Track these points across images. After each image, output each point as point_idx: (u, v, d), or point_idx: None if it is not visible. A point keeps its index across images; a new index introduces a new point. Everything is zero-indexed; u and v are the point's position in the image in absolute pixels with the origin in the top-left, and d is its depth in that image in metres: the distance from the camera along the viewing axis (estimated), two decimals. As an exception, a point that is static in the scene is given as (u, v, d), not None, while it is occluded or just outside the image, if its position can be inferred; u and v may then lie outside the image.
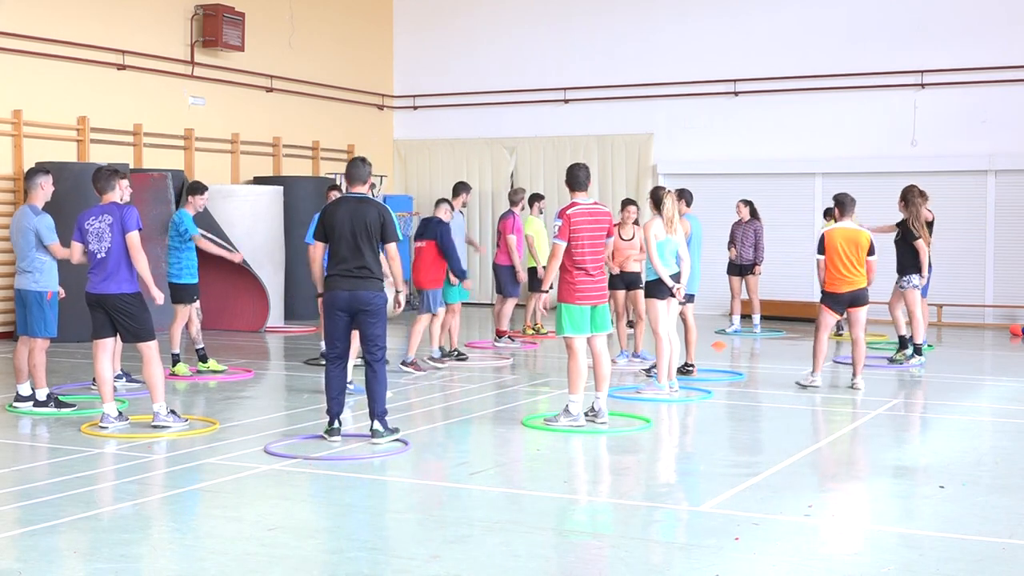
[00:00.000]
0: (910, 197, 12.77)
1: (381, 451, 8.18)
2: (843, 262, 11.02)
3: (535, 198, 15.22)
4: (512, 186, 20.80)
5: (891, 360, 13.05)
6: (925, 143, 18.24)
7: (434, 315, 12.22)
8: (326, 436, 8.43)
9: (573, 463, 8.17)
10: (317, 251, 8.58)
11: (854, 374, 11.24)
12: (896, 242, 12.91)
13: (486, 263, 20.51)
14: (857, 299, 11.14)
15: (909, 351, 12.91)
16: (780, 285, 18.05)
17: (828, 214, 14.85)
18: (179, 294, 11.69)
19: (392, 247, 8.42)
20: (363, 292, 8.31)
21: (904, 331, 13.12)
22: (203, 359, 11.96)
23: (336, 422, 8.46)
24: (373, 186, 11.40)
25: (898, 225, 12.92)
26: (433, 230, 12.14)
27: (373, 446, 8.32)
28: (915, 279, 12.74)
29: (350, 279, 8.30)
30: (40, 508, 6.57)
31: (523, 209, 14.74)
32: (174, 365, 11.71)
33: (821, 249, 11.15)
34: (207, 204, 12.45)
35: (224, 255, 12.45)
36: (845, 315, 11.45)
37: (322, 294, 8.53)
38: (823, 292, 11.24)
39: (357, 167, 8.55)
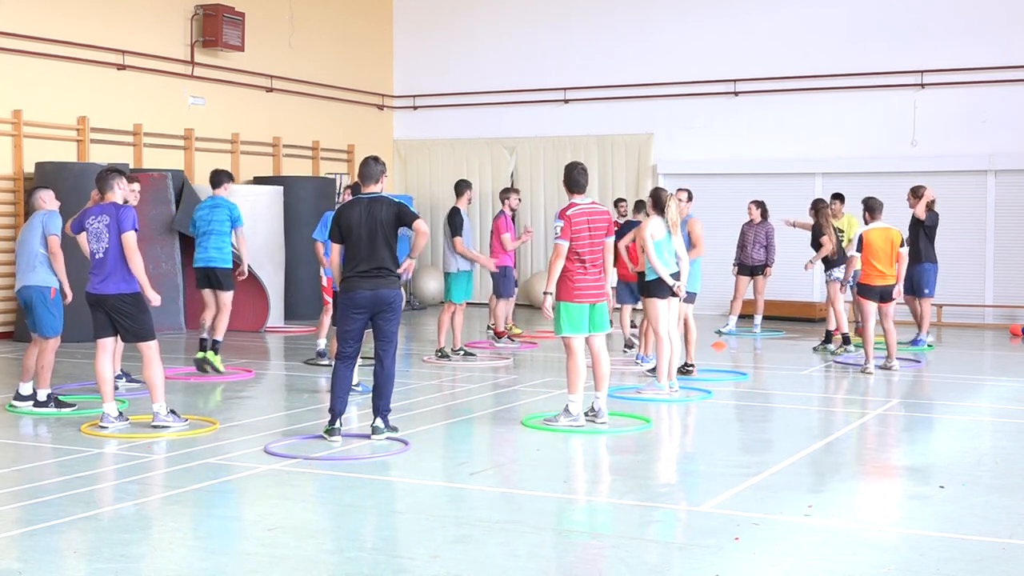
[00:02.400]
0: (820, 208, 14.12)
1: (381, 450, 8.18)
2: (879, 259, 12.13)
3: (505, 193, 14.86)
4: (512, 185, 20.85)
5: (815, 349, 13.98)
6: (925, 143, 18.24)
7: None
8: (326, 436, 8.42)
9: (573, 463, 8.17)
10: (334, 253, 8.56)
11: (889, 356, 12.33)
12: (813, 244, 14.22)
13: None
14: (887, 293, 12.25)
15: (836, 343, 13.70)
16: (780, 285, 18.01)
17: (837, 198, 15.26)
18: (229, 279, 11.93)
19: (419, 223, 8.36)
20: (385, 291, 8.36)
21: (840, 326, 13.90)
22: (212, 350, 11.96)
23: (338, 422, 8.47)
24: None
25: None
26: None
27: (374, 442, 8.34)
28: (836, 271, 13.82)
29: (371, 279, 8.32)
30: (40, 508, 6.57)
31: (512, 210, 14.60)
32: (212, 350, 11.76)
33: (859, 247, 12.21)
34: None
35: (243, 265, 12.25)
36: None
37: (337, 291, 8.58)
38: (859, 286, 12.35)
39: (369, 166, 8.57)
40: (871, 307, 12.26)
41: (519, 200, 14.89)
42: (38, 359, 9.65)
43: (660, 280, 10.44)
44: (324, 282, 12.62)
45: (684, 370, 11.68)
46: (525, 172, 21.09)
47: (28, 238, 9.73)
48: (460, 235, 12.93)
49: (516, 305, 19.10)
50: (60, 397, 9.85)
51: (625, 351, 13.58)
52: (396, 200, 8.52)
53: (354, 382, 10.38)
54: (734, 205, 18.23)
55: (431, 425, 9.33)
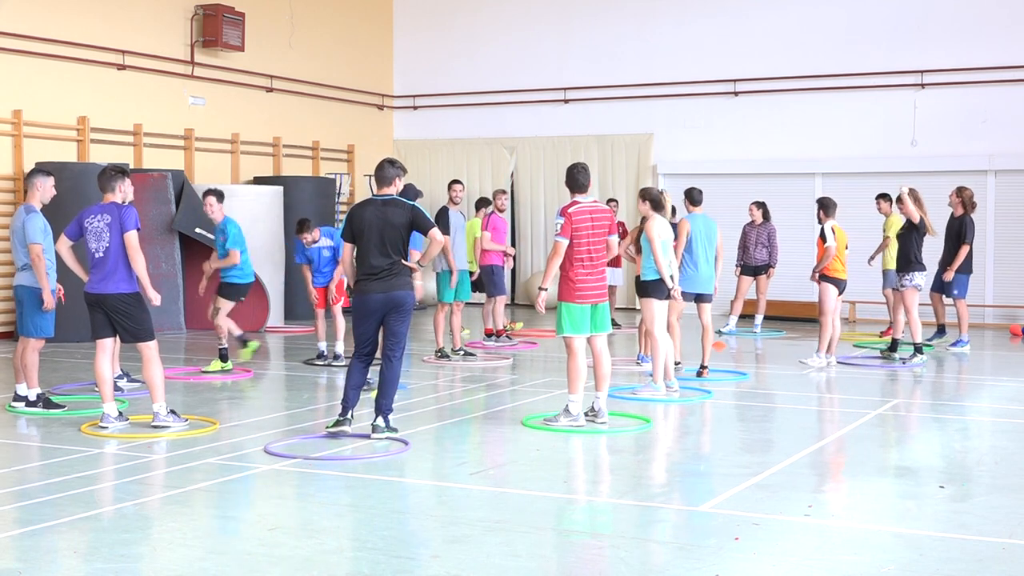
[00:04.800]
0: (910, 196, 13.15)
1: (381, 450, 8.18)
2: (841, 256, 12.61)
3: (482, 203, 14.83)
4: (511, 186, 20.86)
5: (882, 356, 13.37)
6: (925, 143, 18.24)
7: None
8: (333, 428, 8.44)
9: (573, 463, 8.17)
10: (347, 252, 8.61)
11: (830, 351, 12.71)
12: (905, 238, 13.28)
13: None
14: (843, 288, 12.78)
15: (911, 351, 13.04)
16: (780, 285, 18.02)
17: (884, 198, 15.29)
18: (226, 291, 12.03)
19: (434, 232, 8.44)
20: (398, 292, 8.38)
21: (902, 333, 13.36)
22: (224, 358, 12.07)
23: (349, 413, 8.48)
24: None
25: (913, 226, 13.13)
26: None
27: (374, 442, 8.34)
28: (917, 277, 13.14)
29: (384, 280, 8.34)
30: (40, 508, 6.57)
31: (494, 211, 14.58)
32: (223, 360, 11.96)
33: (832, 241, 12.46)
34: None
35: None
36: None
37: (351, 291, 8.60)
38: (832, 280, 12.52)
39: (384, 169, 8.57)
40: (837, 300, 12.64)
41: (504, 201, 14.84)
42: (21, 358, 9.63)
43: (658, 281, 10.43)
44: (314, 296, 12.76)
45: (698, 372, 11.68)
46: (525, 172, 21.09)
47: (14, 238, 9.60)
48: (447, 234, 12.98)
49: (516, 305, 19.13)
50: (52, 398, 9.83)
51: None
52: (411, 205, 8.52)
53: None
54: (734, 205, 18.23)
55: (431, 425, 9.32)
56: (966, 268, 14.36)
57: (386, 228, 8.33)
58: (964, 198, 14.34)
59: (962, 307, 14.41)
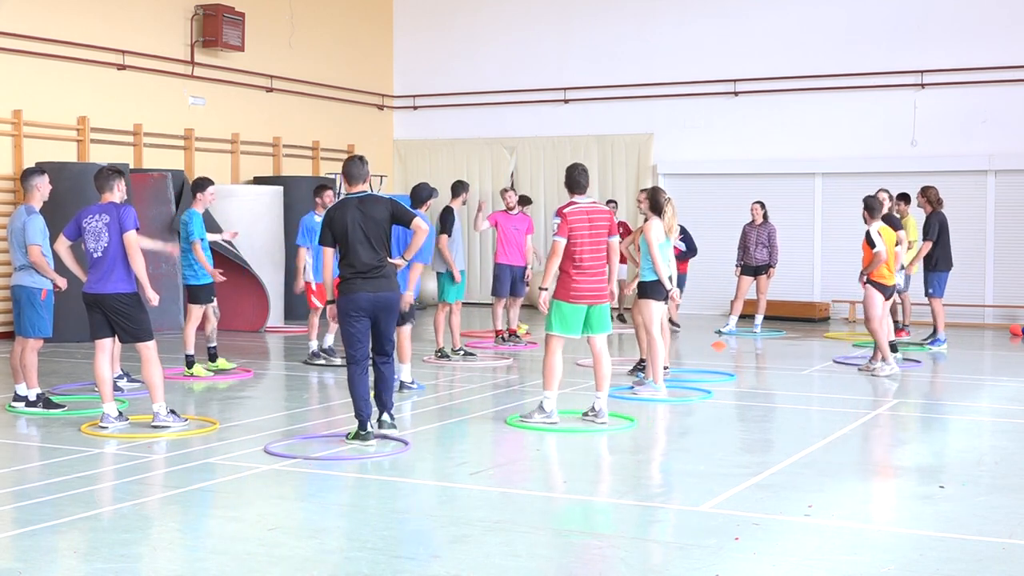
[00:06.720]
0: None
1: (381, 450, 8.18)
2: (890, 259, 12.17)
3: (524, 201, 14.81)
4: (511, 186, 20.85)
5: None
6: (925, 143, 18.24)
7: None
8: (357, 442, 8.26)
9: (573, 463, 8.16)
10: (328, 256, 8.41)
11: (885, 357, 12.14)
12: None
13: (486, 263, 20.48)
14: (891, 293, 12.40)
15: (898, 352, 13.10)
16: (781, 285, 18.01)
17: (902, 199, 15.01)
18: (194, 294, 11.76)
19: (417, 222, 8.41)
20: (387, 292, 8.31)
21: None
22: (212, 358, 11.96)
23: (369, 425, 8.32)
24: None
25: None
26: None
27: (379, 432, 8.38)
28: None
29: (372, 280, 8.25)
30: (40, 508, 6.57)
31: (508, 207, 14.64)
32: (189, 367, 11.72)
33: (881, 245, 12.05)
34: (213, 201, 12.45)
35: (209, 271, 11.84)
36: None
37: (334, 300, 8.42)
38: (879, 285, 12.08)
39: (356, 166, 8.48)
40: (886, 305, 12.30)
41: (511, 198, 14.86)
42: (20, 359, 9.61)
43: (657, 282, 10.45)
44: (314, 286, 12.75)
45: (642, 367, 11.67)
46: (525, 172, 21.08)
47: (12, 238, 9.57)
48: (448, 234, 12.96)
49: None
50: (52, 398, 9.82)
51: None
52: (388, 198, 8.49)
53: (409, 380, 10.69)
54: (734, 205, 18.25)
55: (431, 425, 9.32)
56: (945, 265, 14.36)
57: (368, 224, 8.21)
58: (929, 196, 14.40)
59: (937, 305, 14.40)
